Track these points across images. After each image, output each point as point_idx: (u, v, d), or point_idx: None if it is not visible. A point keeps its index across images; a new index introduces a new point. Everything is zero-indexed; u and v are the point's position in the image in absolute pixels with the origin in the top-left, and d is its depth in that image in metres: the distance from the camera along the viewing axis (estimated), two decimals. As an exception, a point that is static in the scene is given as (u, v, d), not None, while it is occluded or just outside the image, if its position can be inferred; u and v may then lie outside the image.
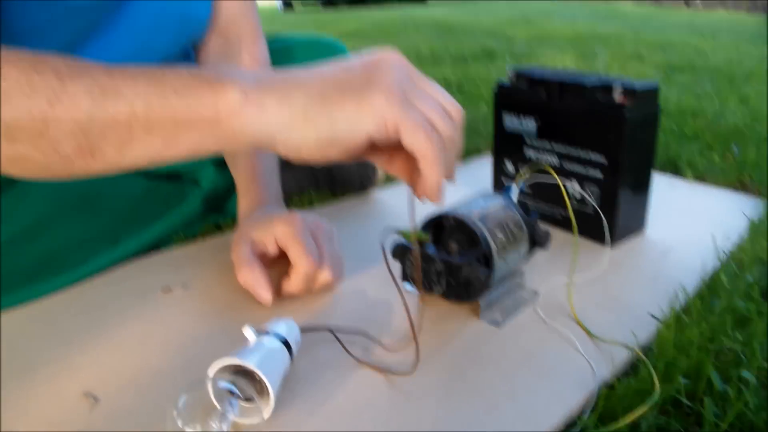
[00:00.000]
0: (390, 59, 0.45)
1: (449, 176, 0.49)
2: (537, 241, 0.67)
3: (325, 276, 0.66)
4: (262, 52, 0.82)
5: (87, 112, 0.41)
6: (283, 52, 0.95)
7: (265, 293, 0.64)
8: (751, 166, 1.09)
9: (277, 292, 0.65)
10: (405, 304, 0.52)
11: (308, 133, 0.43)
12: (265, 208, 0.73)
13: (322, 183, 1.01)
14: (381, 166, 0.51)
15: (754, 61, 2.44)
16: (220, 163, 0.86)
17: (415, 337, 0.53)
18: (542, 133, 0.84)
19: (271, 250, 0.67)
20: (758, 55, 2.66)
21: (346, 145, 0.44)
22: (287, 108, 0.43)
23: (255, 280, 0.64)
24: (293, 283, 0.64)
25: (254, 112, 0.43)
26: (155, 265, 0.75)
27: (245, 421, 0.46)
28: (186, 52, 0.84)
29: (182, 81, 0.43)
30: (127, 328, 0.62)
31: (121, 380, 0.53)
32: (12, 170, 0.44)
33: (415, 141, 0.44)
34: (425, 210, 0.59)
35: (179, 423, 0.44)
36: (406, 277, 0.64)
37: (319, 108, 0.43)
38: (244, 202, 0.75)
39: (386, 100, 0.43)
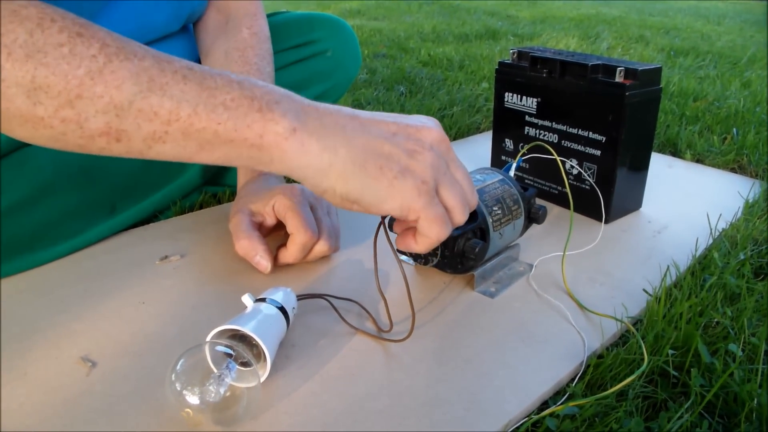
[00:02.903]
0: (434, 138, 0.48)
1: None
2: (533, 217, 0.68)
3: (321, 247, 0.66)
4: (263, 28, 0.82)
5: (128, 98, 0.40)
6: (283, 27, 0.94)
7: (264, 262, 0.64)
8: (749, 148, 1.09)
9: (274, 261, 0.66)
10: (402, 272, 0.53)
11: (337, 187, 0.45)
12: (264, 180, 0.73)
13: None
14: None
15: (758, 47, 2.42)
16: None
17: (411, 304, 0.54)
18: (542, 111, 0.84)
19: (269, 220, 0.68)
20: (762, 41, 2.64)
21: (366, 208, 0.46)
22: (327, 159, 0.44)
23: (253, 249, 0.65)
24: (290, 253, 0.65)
25: (296, 150, 0.43)
26: (153, 235, 0.76)
27: (242, 384, 0.47)
28: (185, 28, 0.84)
29: (233, 96, 0.42)
30: (125, 296, 0.62)
31: (118, 346, 0.54)
32: (20, 131, 0.41)
33: (429, 231, 0.47)
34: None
35: (177, 386, 0.45)
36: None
37: (356, 173, 0.44)
38: (243, 172, 0.76)
39: (417, 192, 0.45)
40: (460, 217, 0.49)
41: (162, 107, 0.41)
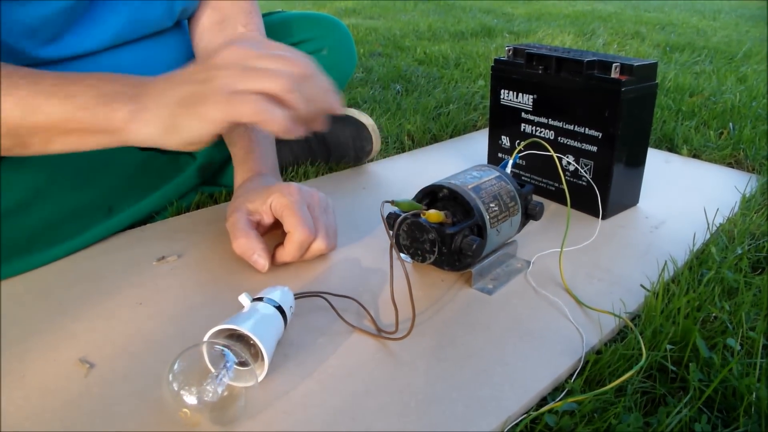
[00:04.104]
0: (224, 57, 0.53)
1: (329, 108, 0.55)
2: (530, 213, 0.68)
3: (319, 245, 0.66)
4: (258, 26, 0.82)
5: (17, 121, 0.54)
6: (279, 26, 0.94)
7: (261, 260, 0.64)
8: (746, 143, 1.09)
9: (271, 260, 0.66)
10: (405, 271, 0.53)
11: (173, 139, 0.53)
12: (261, 179, 0.73)
13: (318, 155, 1.01)
14: None
15: (753, 42, 2.43)
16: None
17: (412, 302, 0.54)
18: (538, 108, 0.84)
19: (267, 219, 0.68)
20: (758, 36, 2.65)
21: (199, 143, 0.53)
22: (158, 122, 0.53)
23: (251, 248, 0.64)
24: (287, 251, 0.65)
25: (136, 127, 0.54)
26: (150, 236, 0.76)
27: (240, 384, 0.47)
28: (179, 25, 0.84)
29: (87, 99, 0.54)
30: (123, 297, 0.62)
31: (116, 347, 0.54)
32: None
33: (253, 121, 0.51)
34: (420, 181, 0.59)
35: (175, 386, 0.45)
36: (399, 246, 0.65)
37: (173, 122, 0.53)
38: (240, 172, 0.76)
39: (214, 106, 0.51)
40: (282, 84, 0.51)
41: (39, 121, 0.54)
